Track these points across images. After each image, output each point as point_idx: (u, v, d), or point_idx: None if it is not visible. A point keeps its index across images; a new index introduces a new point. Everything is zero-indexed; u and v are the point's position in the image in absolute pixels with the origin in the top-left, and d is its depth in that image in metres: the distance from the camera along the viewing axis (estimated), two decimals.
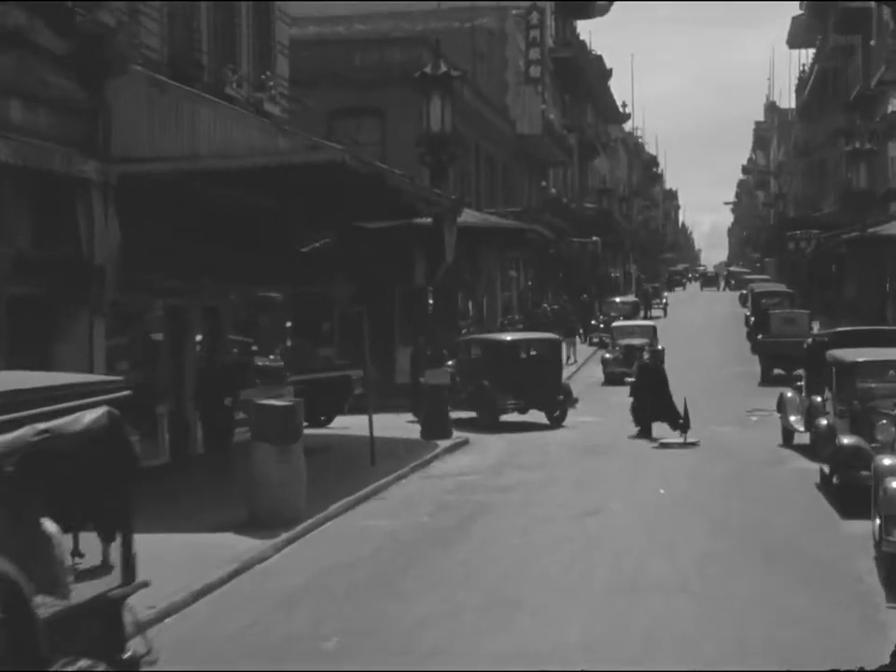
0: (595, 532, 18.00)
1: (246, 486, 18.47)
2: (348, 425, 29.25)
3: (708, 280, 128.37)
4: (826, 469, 20.62)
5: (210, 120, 20.39)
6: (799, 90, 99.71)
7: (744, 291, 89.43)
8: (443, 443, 28.20)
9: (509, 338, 34.96)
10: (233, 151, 20.39)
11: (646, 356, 32.41)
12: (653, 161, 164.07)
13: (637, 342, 44.79)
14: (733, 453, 27.05)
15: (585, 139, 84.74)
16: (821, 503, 19.97)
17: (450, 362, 32.48)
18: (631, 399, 30.39)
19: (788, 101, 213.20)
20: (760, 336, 47.25)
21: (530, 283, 63.84)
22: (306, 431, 31.61)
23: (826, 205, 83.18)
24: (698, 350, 56.27)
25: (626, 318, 60.28)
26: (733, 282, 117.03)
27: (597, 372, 47.50)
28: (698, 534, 17.64)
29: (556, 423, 32.81)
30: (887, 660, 6.39)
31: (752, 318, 58.22)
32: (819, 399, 24.93)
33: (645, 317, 69.35)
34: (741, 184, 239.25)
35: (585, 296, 66.37)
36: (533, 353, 33.74)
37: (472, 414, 34.56)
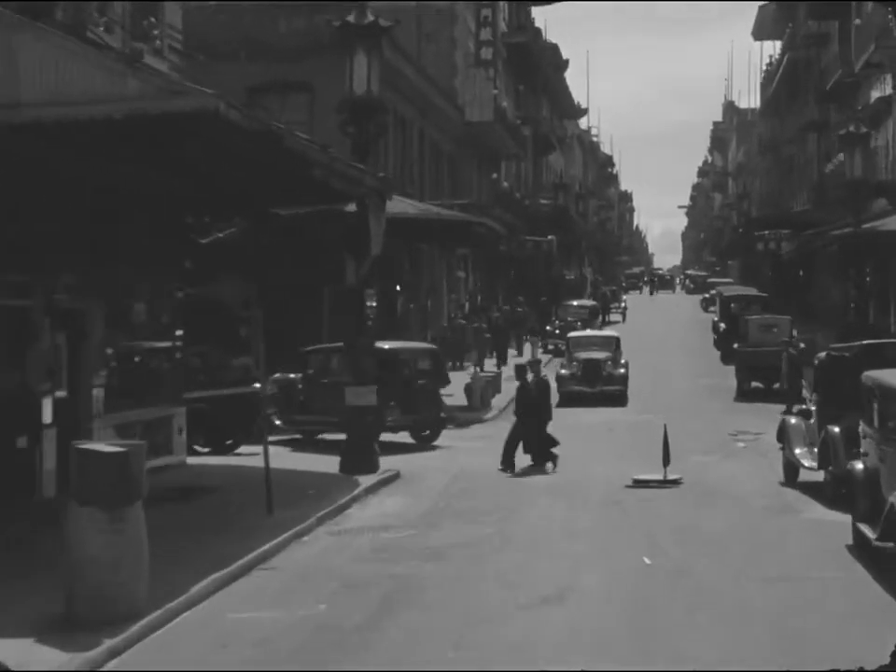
0: (561, 635, 12.54)
1: (65, 567, 12.90)
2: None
3: (664, 283, 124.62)
4: (869, 531, 15.30)
5: (37, 55, 14.87)
6: (765, 84, 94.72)
7: (707, 294, 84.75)
8: (367, 480, 22.79)
9: (387, 346, 29.65)
10: (70, 97, 14.89)
11: (529, 374, 26.95)
12: (609, 160, 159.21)
13: (597, 355, 39.57)
14: (725, 494, 21.75)
15: (540, 132, 79.46)
16: (870, 584, 14.56)
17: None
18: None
19: (748, 100, 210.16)
20: (736, 345, 42.01)
21: (479, 284, 58.43)
22: (205, 460, 26.71)
23: (795, 204, 78.35)
24: (662, 359, 51.02)
25: (584, 323, 55.19)
26: (692, 285, 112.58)
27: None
28: (710, 644, 12.14)
29: (425, 443, 29.45)
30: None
31: (722, 325, 53.08)
32: (836, 430, 19.87)
33: (603, 322, 64.15)
34: (696, 187, 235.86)
35: (544, 298, 61.06)
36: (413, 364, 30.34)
37: (407, 437, 29.37)
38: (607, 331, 46.58)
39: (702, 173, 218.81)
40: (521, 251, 63.63)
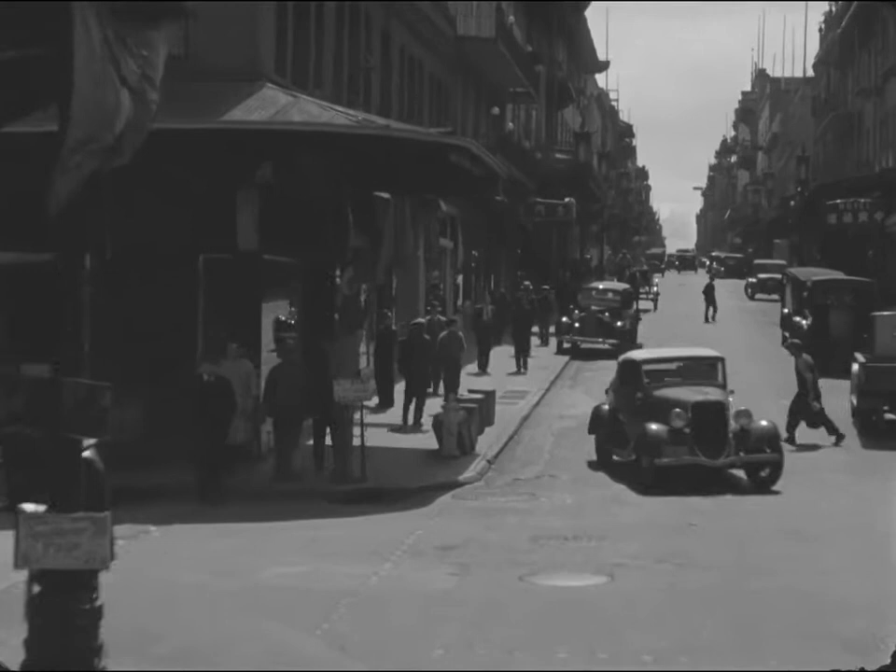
0: None
1: None
2: None
3: (686, 263, 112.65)
4: None
5: None
6: (825, 34, 79.86)
7: (752, 279, 70.23)
8: None
9: None
10: None
11: None
12: (629, 130, 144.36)
13: (712, 395, 21.68)
14: None
15: (556, 77, 64.77)
16: None
17: None
18: None
19: (782, 68, 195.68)
20: (861, 358, 27.42)
21: (475, 255, 43.75)
22: None
23: (862, 169, 63.79)
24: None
25: (613, 314, 40.71)
26: (721, 269, 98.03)
27: (577, 406, 28.60)
28: None
29: None
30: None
31: (804, 321, 38.45)
32: None
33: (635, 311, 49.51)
34: (715, 167, 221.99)
35: (568, 273, 46.69)
36: None
37: None
38: (703, 350, 24.51)
39: (724, 151, 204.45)
40: (529, 217, 49.22)
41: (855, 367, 28.06)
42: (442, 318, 30.43)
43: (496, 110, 43.41)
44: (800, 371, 26.52)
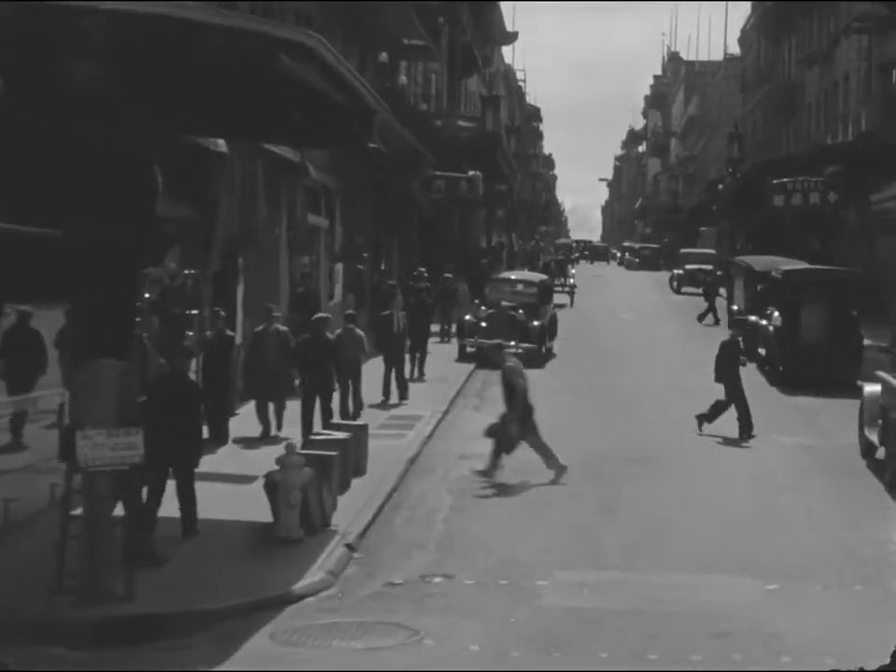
0: None
1: None
2: None
3: (598, 253, 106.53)
4: None
5: None
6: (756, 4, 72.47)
7: (678, 271, 62.70)
8: None
9: None
10: None
11: None
12: (536, 113, 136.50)
13: None
14: None
15: (459, 39, 56.54)
16: None
17: None
18: None
19: (696, 52, 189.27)
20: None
21: (358, 244, 35.38)
22: None
23: (794, 147, 56.59)
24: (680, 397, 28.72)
25: (529, 310, 32.85)
26: (636, 259, 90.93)
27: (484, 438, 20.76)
28: None
29: None
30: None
31: (771, 324, 30.69)
32: None
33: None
34: (622, 158, 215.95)
35: (486, 261, 38.72)
36: None
37: None
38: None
39: (631, 141, 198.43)
40: (427, 192, 41.07)
41: (871, 390, 20.35)
42: (280, 329, 22.04)
43: (383, 56, 35.11)
44: (508, 380, 19.21)
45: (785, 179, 46.55)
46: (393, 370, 25.01)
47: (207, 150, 21.02)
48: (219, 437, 19.93)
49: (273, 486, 14.91)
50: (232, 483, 17.42)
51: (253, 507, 15.37)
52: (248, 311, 25.63)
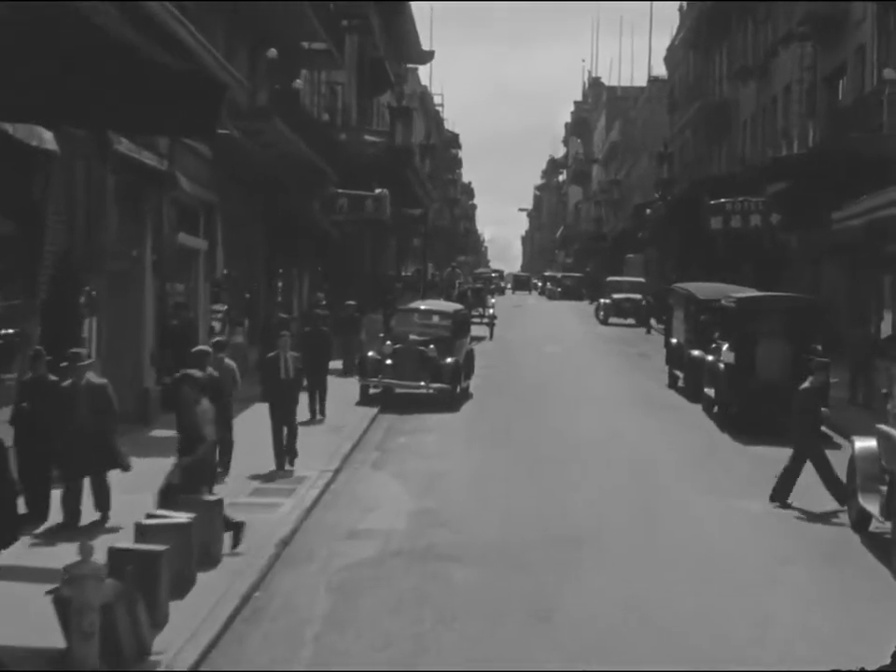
0: None
1: None
2: None
3: (520, 283, 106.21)
4: None
5: None
6: (686, 15, 68.85)
7: (606, 300, 58.84)
8: None
9: None
10: None
11: None
12: (455, 140, 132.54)
13: None
14: None
15: (370, 53, 52.37)
16: None
17: None
18: None
19: (618, 77, 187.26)
20: None
21: (254, 276, 30.78)
22: None
23: (726, 166, 53.07)
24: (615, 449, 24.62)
25: (443, 345, 28.70)
26: (558, 289, 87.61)
27: (381, 506, 16.75)
28: None
29: None
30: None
31: (721, 360, 26.60)
32: None
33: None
34: (542, 187, 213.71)
35: (400, 285, 34.34)
36: None
37: None
38: None
39: (552, 170, 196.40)
40: (328, 213, 36.67)
41: (865, 446, 16.28)
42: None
43: (272, 52, 30.66)
44: None
45: (723, 200, 42.71)
46: (285, 427, 20.15)
47: (29, 148, 16.57)
48: (37, 515, 15.35)
49: (63, 603, 10.46)
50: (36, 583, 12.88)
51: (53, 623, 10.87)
52: (104, 350, 21.16)
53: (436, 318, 30.17)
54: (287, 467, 19.45)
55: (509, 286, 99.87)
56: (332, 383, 28.67)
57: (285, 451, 19.43)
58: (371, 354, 28.58)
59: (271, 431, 19.69)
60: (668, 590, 13.72)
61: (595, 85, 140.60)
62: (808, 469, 18.62)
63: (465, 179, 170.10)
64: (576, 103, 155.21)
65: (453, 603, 13.13)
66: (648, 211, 63.72)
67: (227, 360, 19.73)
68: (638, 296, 56.61)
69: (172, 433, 17.53)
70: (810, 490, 18.48)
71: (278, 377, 19.81)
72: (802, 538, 16.57)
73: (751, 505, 18.33)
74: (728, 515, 17.78)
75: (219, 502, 14.38)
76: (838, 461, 18.52)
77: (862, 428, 23.17)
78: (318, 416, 25.20)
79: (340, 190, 37.43)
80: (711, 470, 21.29)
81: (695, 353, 29.48)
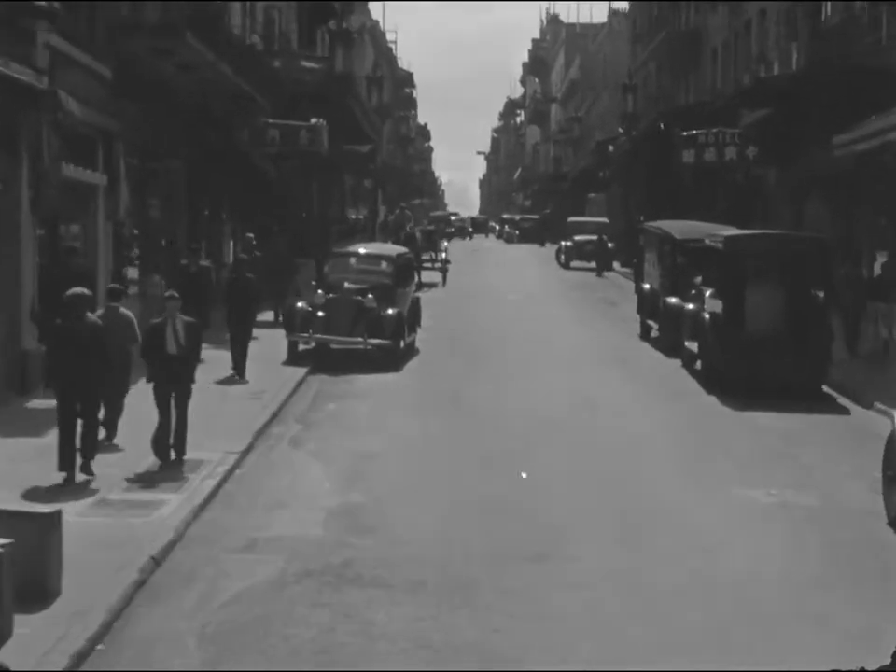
0: None
1: None
2: None
3: (477, 226, 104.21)
4: None
5: None
6: None
7: (567, 242, 55.20)
8: None
9: None
10: None
11: None
12: (409, 79, 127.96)
13: None
14: None
15: None
16: None
17: None
18: None
19: (577, 15, 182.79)
20: None
21: (171, 216, 26.81)
22: None
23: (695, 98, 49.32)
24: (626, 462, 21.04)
25: (381, 293, 24.92)
26: (516, 232, 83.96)
27: (297, 498, 13.25)
28: None
29: None
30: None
31: (706, 309, 22.95)
32: None
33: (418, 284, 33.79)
34: (500, 129, 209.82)
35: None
36: None
37: None
38: None
39: (509, 111, 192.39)
40: (258, 145, 32.75)
41: None
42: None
43: None
44: None
45: (696, 131, 38.98)
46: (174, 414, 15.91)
47: None
48: None
49: None
50: None
51: None
52: None
53: (375, 263, 26.32)
54: (174, 458, 15.45)
55: (470, 229, 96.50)
56: (263, 336, 25.04)
57: (171, 444, 15.39)
58: (299, 305, 24.74)
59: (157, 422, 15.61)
60: (664, 644, 10.07)
61: (553, 22, 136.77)
62: (828, 454, 15.07)
63: (420, 121, 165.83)
64: (533, 41, 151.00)
65: (370, 663, 9.43)
66: (611, 148, 59.94)
67: (122, 310, 16.02)
68: (602, 237, 52.89)
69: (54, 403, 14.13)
70: (819, 469, 14.89)
71: (164, 351, 15.49)
72: (827, 541, 12.95)
73: (754, 494, 14.68)
74: (731, 506, 14.13)
75: (56, 515, 10.57)
76: (850, 428, 14.92)
77: (880, 392, 19.65)
78: (236, 377, 21.61)
79: (270, 121, 33.48)
80: (701, 447, 17.63)
81: (672, 300, 25.88)
